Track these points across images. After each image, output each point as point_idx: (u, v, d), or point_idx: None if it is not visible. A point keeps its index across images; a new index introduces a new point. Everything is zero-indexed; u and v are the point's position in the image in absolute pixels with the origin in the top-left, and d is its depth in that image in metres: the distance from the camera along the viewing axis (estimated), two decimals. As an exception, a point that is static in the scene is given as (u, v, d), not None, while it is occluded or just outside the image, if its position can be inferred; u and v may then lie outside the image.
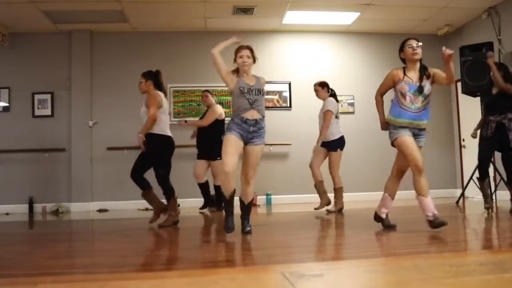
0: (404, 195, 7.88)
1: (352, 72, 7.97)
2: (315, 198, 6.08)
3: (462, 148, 7.84)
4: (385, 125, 3.82)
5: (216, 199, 6.14)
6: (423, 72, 3.65)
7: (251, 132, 3.60)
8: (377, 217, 3.94)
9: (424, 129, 3.68)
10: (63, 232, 5.05)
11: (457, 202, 6.41)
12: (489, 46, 6.04)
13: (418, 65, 3.70)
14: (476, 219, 4.74)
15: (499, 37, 6.74)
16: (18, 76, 7.39)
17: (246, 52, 3.70)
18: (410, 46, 3.68)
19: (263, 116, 3.68)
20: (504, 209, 5.42)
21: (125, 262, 2.82)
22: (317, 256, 3.00)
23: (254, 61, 3.77)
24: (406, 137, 3.58)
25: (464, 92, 5.99)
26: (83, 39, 7.52)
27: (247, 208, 3.79)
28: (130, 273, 2.48)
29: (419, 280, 2.04)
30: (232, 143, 3.56)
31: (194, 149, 6.29)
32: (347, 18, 7.42)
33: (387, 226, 3.86)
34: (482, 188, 5.26)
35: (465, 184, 6.57)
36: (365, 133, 7.76)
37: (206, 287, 2.07)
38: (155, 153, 4.53)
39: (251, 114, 3.59)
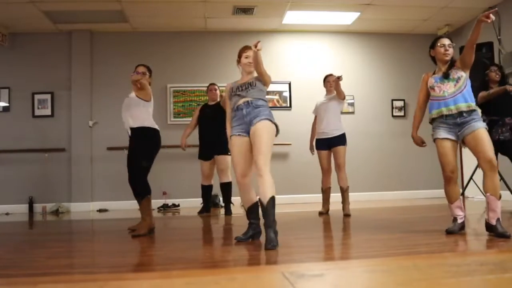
0: (405, 195, 7.92)
1: (352, 72, 7.97)
2: (315, 198, 6.08)
3: (462, 148, 7.83)
4: (417, 139, 3.66)
5: (223, 198, 5.96)
6: (451, 66, 3.51)
7: (246, 115, 3.28)
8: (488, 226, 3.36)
9: (469, 112, 3.35)
10: (63, 232, 5.05)
11: (457, 202, 6.40)
12: (489, 46, 6.05)
13: (447, 63, 3.54)
14: (476, 219, 4.73)
15: (499, 37, 6.74)
16: (18, 76, 7.38)
17: (252, 53, 3.46)
18: (442, 45, 3.50)
19: (258, 98, 3.33)
20: (504, 209, 5.41)
21: (125, 262, 2.82)
22: (317, 256, 3.00)
23: None
24: (442, 141, 3.41)
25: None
26: (83, 39, 7.52)
27: (267, 211, 3.08)
28: (130, 273, 2.48)
29: (419, 280, 2.04)
30: (235, 149, 3.30)
31: (192, 149, 6.26)
32: (347, 18, 7.42)
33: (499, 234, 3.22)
34: None
35: (465, 184, 6.57)
36: (365, 133, 7.77)
37: (206, 287, 2.07)
38: (145, 145, 4.12)
39: (243, 101, 3.34)
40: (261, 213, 3.17)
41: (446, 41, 3.51)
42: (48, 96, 7.42)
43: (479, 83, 5.01)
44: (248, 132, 3.29)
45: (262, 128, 3.21)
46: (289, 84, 7.81)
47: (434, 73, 3.59)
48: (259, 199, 3.17)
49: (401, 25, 7.77)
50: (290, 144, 7.47)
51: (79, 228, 5.50)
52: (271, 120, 3.29)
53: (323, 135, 5.40)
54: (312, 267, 2.48)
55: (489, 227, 3.29)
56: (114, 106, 7.43)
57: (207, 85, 6.17)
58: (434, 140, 3.49)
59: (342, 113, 5.61)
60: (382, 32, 8.02)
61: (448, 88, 3.43)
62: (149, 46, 7.63)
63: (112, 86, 7.47)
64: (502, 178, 5.70)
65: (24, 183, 7.19)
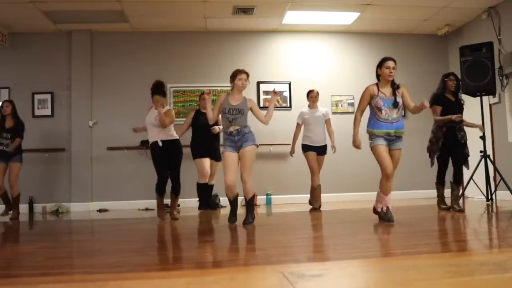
0: (404, 195, 7.91)
1: (352, 72, 7.97)
2: (315, 198, 6.09)
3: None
4: (358, 142, 4.39)
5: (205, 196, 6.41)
6: (395, 87, 4.22)
7: (237, 140, 4.36)
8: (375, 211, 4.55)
9: (401, 136, 4.26)
10: (63, 232, 5.05)
11: (457, 202, 6.39)
12: (489, 46, 6.05)
13: (390, 82, 4.25)
14: (476, 219, 4.74)
15: (499, 37, 6.74)
16: (18, 76, 7.38)
17: (244, 76, 4.43)
18: (388, 67, 4.21)
19: (245, 126, 4.39)
20: (504, 209, 5.42)
21: (125, 262, 2.82)
22: (317, 256, 3.00)
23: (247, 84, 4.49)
24: (380, 146, 4.21)
25: (464, 92, 5.99)
26: (83, 39, 7.52)
27: (248, 203, 4.50)
28: (130, 273, 2.48)
29: (419, 280, 2.04)
30: (228, 161, 4.33)
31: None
32: (347, 18, 7.42)
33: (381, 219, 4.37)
34: (453, 190, 5.37)
35: (465, 184, 6.56)
36: (365, 133, 7.75)
37: (206, 287, 2.07)
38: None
39: (233, 127, 4.36)
40: (245, 204, 4.55)
41: (391, 64, 4.23)
42: (48, 96, 7.43)
43: (438, 88, 5.39)
44: (237, 150, 4.39)
45: (249, 151, 4.38)
46: (289, 84, 7.81)
47: (378, 88, 4.21)
48: (244, 196, 4.49)
49: (401, 25, 7.78)
50: (290, 144, 7.46)
51: (79, 228, 5.50)
52: (255, 144, 4.45)
53: (312, 143, 6.00)
54: (312, 267, 2.48)
55: (376, 213, 4.42)
56: (114, 106, 7.46)
57: (207, 85, 6.21)
58: (372, 147, 4.26)
59: (341, 113, 5.80)
60: (382, 32, 8.02)
61: (393, 113, 4.18)
62: (149, 46, 7.64)
63: (112, 86, 7.49)
64: (502, 179, 5.71)
65: (24, 183, 7.16)
